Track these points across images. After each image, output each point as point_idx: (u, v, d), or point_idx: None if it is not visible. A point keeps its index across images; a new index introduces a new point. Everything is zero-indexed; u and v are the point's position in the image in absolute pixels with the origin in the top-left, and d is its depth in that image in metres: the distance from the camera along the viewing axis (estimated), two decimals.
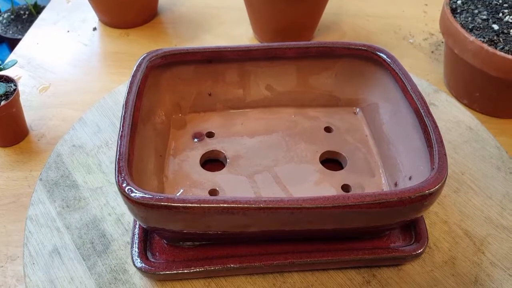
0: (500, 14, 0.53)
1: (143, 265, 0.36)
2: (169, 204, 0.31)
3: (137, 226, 0.39)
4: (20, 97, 0.51)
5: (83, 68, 0.62)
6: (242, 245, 0.38)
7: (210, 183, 0.42)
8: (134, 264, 0.37)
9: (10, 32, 1.11)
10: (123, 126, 0.36)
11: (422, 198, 0.32)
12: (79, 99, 0.57)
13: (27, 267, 0.39)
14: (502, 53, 0.48)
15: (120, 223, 0.42)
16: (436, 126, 0.37)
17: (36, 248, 0.40)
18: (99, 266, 0.39)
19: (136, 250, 0.37)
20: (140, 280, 0.38)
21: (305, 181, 0.42)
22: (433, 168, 0.34)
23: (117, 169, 0.33)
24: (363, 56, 0.44)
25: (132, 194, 0.32)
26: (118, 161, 0.33)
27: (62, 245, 0.40)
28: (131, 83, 0.39)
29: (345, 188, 0.42)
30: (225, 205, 0.32)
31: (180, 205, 0.31)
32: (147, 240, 0.39)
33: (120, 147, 0.34)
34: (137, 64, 0.41)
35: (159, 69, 0.43)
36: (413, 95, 0.39)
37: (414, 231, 0.39)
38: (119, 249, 0.40)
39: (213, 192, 0.41)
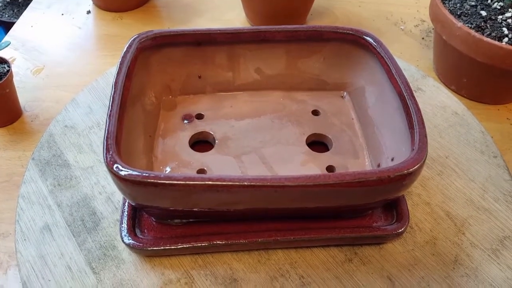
0: (489, 1, 0.54)
1: (131, 241, 0.38)
2: (155, 181, 0.32)
3: (126, 204, 0.40)
4: (13, 79, 0.51)
5: (76, 51, 0.63)
6: (228, 223, 0.39)
7: (198, 163, 0.42)
8: (123, 240, 0.38)
9: (6, 15, 1.11)
10: (112, 105, 0.37)
11: (401, 178, 0.33)
12: (73, 81, 0.58)
13: (18, 243, 0.40)
14: (488, 39, 0.49)
15: (110, 201, 0.43)
16: (418, 109, 0.38)
17: (27, 224, 0.41)
18: (89, 243, 0.40)
19: (125, 226, 0.38)
20: (128, 256, 0.39)
21: (291, 162, 0.43)
22: (413, 149, 0.35)
23: (105, 147, 0.34)
24: (350, 40, 0.45)
25: (120, 172, 0.32)
26: (106, 139, 0.34)
27: (53, 222, 0.41)
28: (121, 64, 0.40)
29: (330, 169, 0.43)
30: (210, 182, 0.33)
31: (166, 182, 0.32)
32: (136, 218, 0.40)
33: (108, 126, 0.35)
34: (127, 45, 0.42)
35: (149, 51, 0.44)
36: (397, 78, 0.40)
37: (395, 211, 0.41)
38: (108, 226, 0.41)
39: (201, 171, 0.42)
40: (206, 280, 0.38)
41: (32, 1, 0.71)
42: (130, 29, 0.66)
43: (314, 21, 0.69)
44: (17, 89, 0.53)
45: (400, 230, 0.39)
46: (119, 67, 0.40)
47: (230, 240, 0.38)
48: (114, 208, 0.42)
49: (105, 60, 0.62)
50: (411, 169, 0.33)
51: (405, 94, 0.39)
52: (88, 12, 0.69)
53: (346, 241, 0.40)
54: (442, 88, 0.54)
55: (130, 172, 0.32)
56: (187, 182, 0.32)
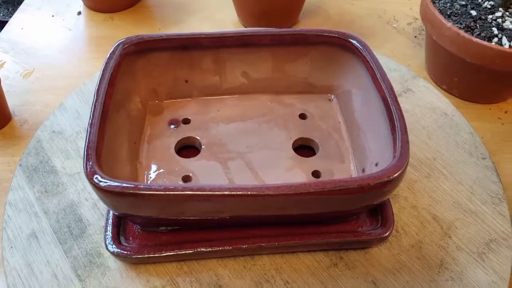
0: (479, 0, 0.53)
1: (116, 249, 0.38)
2: (135, 192, 0.32)
3: (110, 212, 0.40)
4: (3, 83, 0.51)
5: (67, 53, 0.63)
6: (214, 230, 0.39)
7: (183, 169, 0.42)
8: (107, 248, 0.38)
9: (1, 14, 1.11)
10: (93, 114, 0.37)
11: (381, 185, 0.33)
12: (63, 84, 0.58)
13: (5, 251, 0.40)
14: (478, 40, 0.49)
15: (97, 208, 0.43)
16: (401, 114, 0.37)
17: (14, 232, 0.41)
18: (75, 250, 0.40)
19: (109, 234, 0.39)
20: (114, 263, 0.39)
21: (277, 168, 0.43)
22: (395, 156, 0.35)
23: (85, 157, 0.34)
24: (336, 44, 0.45)
25: (99, 183, 0.32)
26: (87, 149, 0.34)
27: (40, 229, 0.41)
28: (104, 70, 0.40)
29: (316, 174, 0.42)
30: (190, 192, 0.32)
31: (146, 192, 0.32)
32: (120, 225, 0.40)
33: (89, 135, 0.35)
34: (110, 52, 0.42)
35: (134, 56, 0.43)
36: (381, 83, 0.40)
37: (380, 215, 0.40)
38: (94, 233, 0.41)
39: (186, 178, 0.42)
40: (191, 286, 0.38)
41: (23, 3, 0.70)
42: (121, 30, 0.66)
43: (306, 20, 0.68)
44: (6, 93, 0.53)
45: (384, 235, 0.39)
46: (101, 74, 0.40)
47: (214, 247, 0.38)
48: (100, 214, 0.42)
49: (96, 62, 0.61)
50: (391, 177, 0.33)
51: (388, 99, 0.39)
52: (79, 13, 0.68)
53: (331, 246, 0.40)
54: (432, 89, 0.54)
55: (110, 183, 0.32)
56: (167, 193, 0.32)
